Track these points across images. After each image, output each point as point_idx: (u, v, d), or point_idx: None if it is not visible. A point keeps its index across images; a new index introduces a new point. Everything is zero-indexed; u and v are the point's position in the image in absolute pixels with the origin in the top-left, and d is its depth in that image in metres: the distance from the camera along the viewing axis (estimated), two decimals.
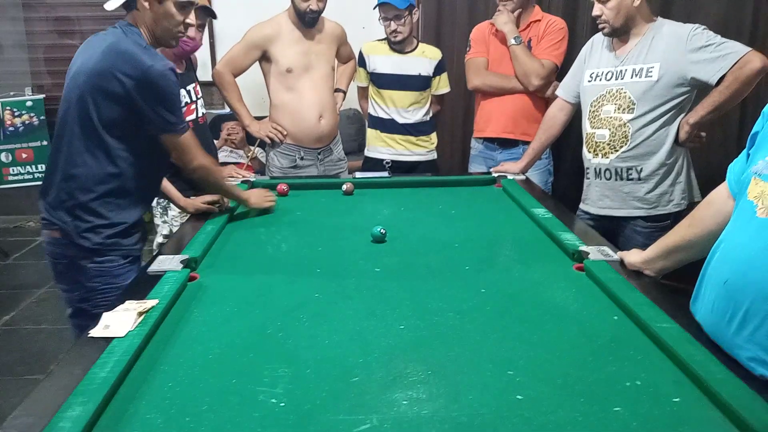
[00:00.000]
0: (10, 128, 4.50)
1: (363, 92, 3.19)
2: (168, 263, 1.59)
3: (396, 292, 1.52)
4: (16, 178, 4.60)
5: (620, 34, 2.26)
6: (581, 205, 2.46)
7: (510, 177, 2.56)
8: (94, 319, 1.27)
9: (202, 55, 3.53)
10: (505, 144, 2.92)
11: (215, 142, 3.59)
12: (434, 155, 3.14)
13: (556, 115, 2.57)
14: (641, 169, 2.25)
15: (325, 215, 2.22)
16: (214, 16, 2.60)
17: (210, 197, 2.14)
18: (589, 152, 2.36)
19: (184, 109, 2.57)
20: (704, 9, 3.06)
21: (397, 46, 2.97)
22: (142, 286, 1.46)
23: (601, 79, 2.32)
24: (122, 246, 1.84)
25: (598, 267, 1.55)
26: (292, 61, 2.83)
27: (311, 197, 2.44)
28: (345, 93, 3.14)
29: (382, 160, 3.07)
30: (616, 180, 2.30)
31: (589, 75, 2.38)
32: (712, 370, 1.06)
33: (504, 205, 2.30)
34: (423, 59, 3.00)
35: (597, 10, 2.23)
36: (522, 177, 2.60)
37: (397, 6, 2.80)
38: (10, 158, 4.56)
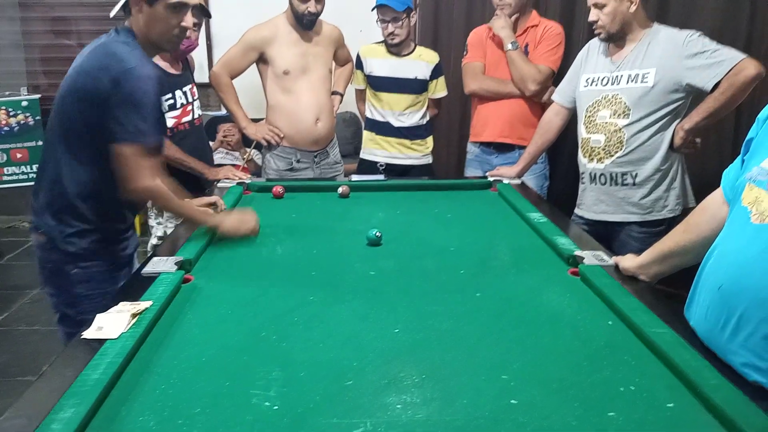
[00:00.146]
0: (5, 128, 4.49)
1: (360, 95, 3.19)
2: (162, 265, 1.58)
3: (391, 296, 1.51)
4: (10, 178, 4.58)
5: (616, 39, 2.27)
6: (576, 210, 2.46)
7: (506, 181, 2.56)
8: (81, 326, 1.25)
9: (198, 57, 3.52)
10: (502, 148, 2.93)
11: (211, 144, 3.59)
12: (429, 159, 3.14)
13: (552, 120, 2.58)
14: (636, 174, 2.25)
15: (321, 218, 2.21)
16: (209, 16, 2.59)
17: (207, 199, 2.13)
18: (585, 157, 2.36)
19: (180, 110, 2.57)
20: (700, 15, 3.08)
21: (395, 49, 2.97)
22: (135, 287, 1.45)
23: (596, 85, 2.33)
24: (108, 252, 1.82)
25: (592, 272, 1.55)
26: (290, 64, 2.83)
27: (307, 200, 2.43)
28: (342, 96, 3.14)
29: (376, 162, 3.08)
30: (611, 185, 2.30)
31: (585, 80, 2.38)
32: (706, 375, 1.06)
33: (499, 209, 2.30)
34: (420, 62, 3.01)
35: (593, 15, 2.24)
36: (518, 181, 2.60)
37: (395, 8, 2.80)
38: (5, 158, 4.54)
